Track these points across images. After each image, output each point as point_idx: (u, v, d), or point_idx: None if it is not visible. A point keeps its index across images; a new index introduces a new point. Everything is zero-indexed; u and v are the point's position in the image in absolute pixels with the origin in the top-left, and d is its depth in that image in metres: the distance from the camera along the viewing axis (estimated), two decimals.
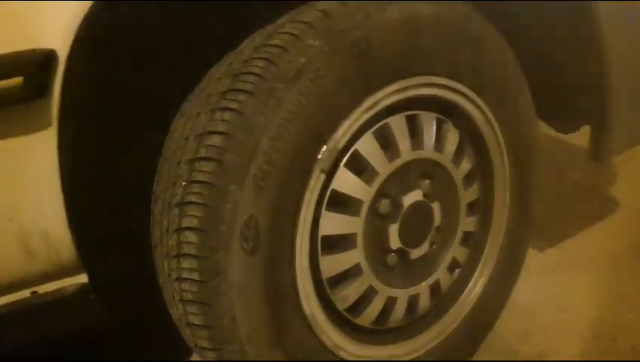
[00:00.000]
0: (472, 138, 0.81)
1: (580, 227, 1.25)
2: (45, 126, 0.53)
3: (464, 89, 0.75)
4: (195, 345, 0.64)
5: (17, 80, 0.49)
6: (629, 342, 0.97)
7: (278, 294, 0.63)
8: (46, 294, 0.63)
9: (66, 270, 0.62)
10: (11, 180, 0.54)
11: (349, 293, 0.72)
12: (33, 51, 0.50)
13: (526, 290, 1.02)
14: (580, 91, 0.86)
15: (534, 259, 1.11)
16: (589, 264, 1.17)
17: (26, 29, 0.50)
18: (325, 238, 0.68)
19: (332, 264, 0.69)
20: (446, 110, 0.76)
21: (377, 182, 0.70)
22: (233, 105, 0.57)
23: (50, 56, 0.50)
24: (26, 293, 0.63)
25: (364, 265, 0.72)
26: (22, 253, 0.58)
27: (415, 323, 0.82)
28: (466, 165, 0.80)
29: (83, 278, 0.65)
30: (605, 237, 1.25)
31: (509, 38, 0.78)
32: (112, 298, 0.65)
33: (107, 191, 0.67)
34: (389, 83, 0.67)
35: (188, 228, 0.58)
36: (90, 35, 0.51)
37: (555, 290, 1.11)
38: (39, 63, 0.50)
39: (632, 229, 1.28)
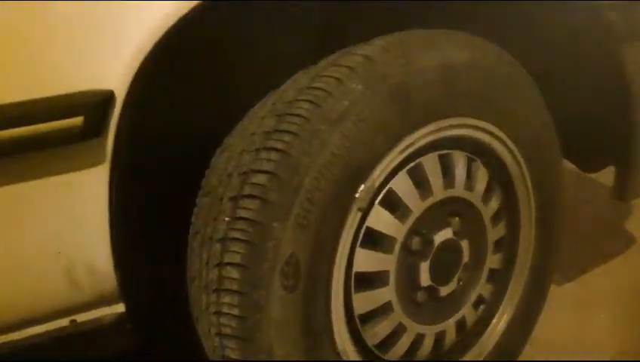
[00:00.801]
0: (500, 176, 0.82)
1: (597, 263, 1.26)
2: (99, 163, 0.55)
3: (494, 129, 0.77)
4: None
5: (78, 119, 0.51)
6: None
7: (314, 330, 0.64)
8: (84, 323, 0.65)
9: (105, 300, 0.63)
10: (63, 214, 0.56)
11: (380, 330, 0.72)
12: (93, 92, 0.52)
13: (546, 325, 1.02)
14: (605, 131, 0.88)
15: (553, 294, 1.12)
16: (607, 299, 1.18)
17: (87, 69, 0.53)
18: (358, 275, 0.69)
19: (364, 301, 0.70)
20: (476, 149, 0.78)
21: (410, 220, 0.71)
22: (279, 146, 0.59)
23: (108, 97, 0.52)
24: (65, 321, 0.65)
25: (395, 302, 0.72)
26: (67, 285, 0.59)
27: (440, 358, 0.83)
28: (494, 203, 0.82)
29: (120, 307, 0.66)
30: (622, 273, 1.26)
31: (538, 77, 0.80)
32: (148, 328, 0.66)
33: (152, 228, 0.69)
34: (424, 124, 0.68)
35: (230, 264, 0.59)
36: (147, 78, 0.54)
37: (575, 325, 1.12)
38: (98, 104, 0.52)
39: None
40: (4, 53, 0.49)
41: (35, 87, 0.51)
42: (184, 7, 0.53)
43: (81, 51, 0.52)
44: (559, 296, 1.16)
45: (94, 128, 0.52)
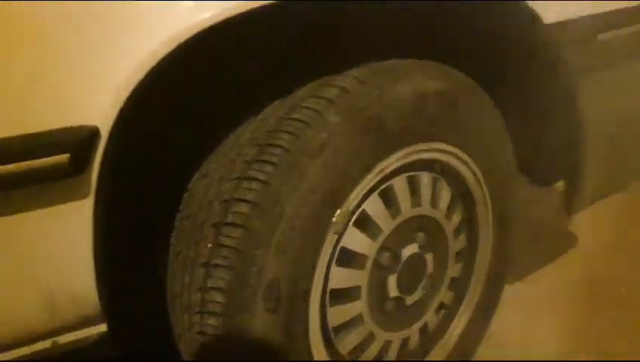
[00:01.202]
0: (461, 193, 0.89)
1: (543, 262, 1.37)
2: (83, 196, 0.55)
3: (457, 151, 0.83)
4: None
5: (64, 157, 0.52)
6: None
7: (294, 344, 0.68)
8: (67, 344, 0.66)
9: (88, 322, 0.65)
10: (47, 245, 0.56)
11: (351, 339, 0.78)
12: (79, 128, 0.53)
13: (496, 322, 1.11)
14: (557, 151, 0.95)
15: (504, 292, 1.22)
16: (552, 296, 1.29)
17: (72, 106, 0.53)
18: (333, 291, 0.73)
19: (338, 314, 0.75)
20: (441, 169, 0.84)
21: (381, 239, 0.76)
22: (260, 176, 0.62)
23: (94, 133, 0.53)
24: (47, 343, 0.66)
25: (366, 313, 0.78)
26: (49, 311, 0.60)
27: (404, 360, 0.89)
28: (456, 218, 0.88)
29: (103, 327, 0.68)
30: (565, 271, 1.37)
31: (500, 103, 0.86)
32: (130, 347, 0.68)
33: (135, 259, 0.70)
34: (396, 150, 0.73)
35: (213, 288, 0.62)
36: (131, 112, 0.55)
37: (523, 320, 1.22)
38: (84, 140, 0.53)
39: (589, 263, 1.40)
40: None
41: (18, 124, 0.51)
42: (167, 47, 0.54)
43: (65, 88, 0.53)
44: (508, 293, 1.26)
45: (80, 165, 0.53)
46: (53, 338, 0.66)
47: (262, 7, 0.56)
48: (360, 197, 0.72)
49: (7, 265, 0.57)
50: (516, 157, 0.94)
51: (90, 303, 0.63)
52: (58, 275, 0.59)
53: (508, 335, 1.14)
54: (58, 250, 0.58)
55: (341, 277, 0.73)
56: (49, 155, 0.52)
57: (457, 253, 0.91)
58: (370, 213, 0.74)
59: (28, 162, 0.51)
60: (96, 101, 0.54)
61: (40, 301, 0.60)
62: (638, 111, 0.94)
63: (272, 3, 0.57)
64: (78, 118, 0.53)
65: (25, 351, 0.65)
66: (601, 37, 0.80)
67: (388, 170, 0.74)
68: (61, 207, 0.55)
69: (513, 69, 0.83)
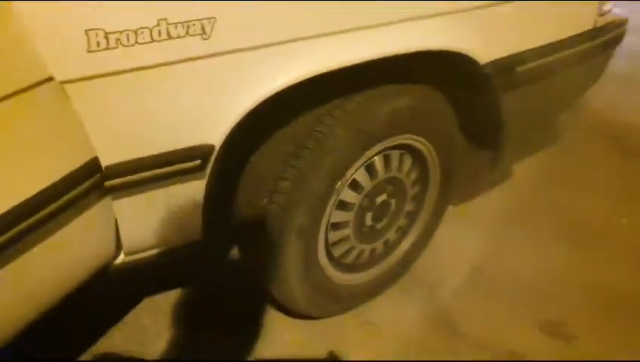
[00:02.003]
0: (419, 160, 1.35)
1: (482, 190, 1.88)
2: (202, 178, 1.00)
3: (419, 138, 1.27)
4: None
5: (197, 163, 0.96)
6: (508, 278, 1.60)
7: (309, 254, 1.20)
8: (179, 248, 1.16)
9: (191, 237, 1.14)
10: (186, 201, 1.02)
11: (340, 249, 1.30)
12: (206, 146, 0.95)
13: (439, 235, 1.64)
14: (489, 132, 1.40)
15: (450, 211, 1.74)
16: (485, 215, 1.81)
17: (202, 134, 0.95)
18: (333, 224, 1.23)
19: (335, 236, 1.26)
20: (406, 148, 1.29)
21: (364, 193, 1.24)
22: (295, 164, 1.07)
23: (212, 149, 0.96)
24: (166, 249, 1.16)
25: (351, 235, 1.29)
26: (178, 231, 1.09)
27: (375, 260, 1.43)
28: (413, 176, 1.36)
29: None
30: (499, 198, 1.89)
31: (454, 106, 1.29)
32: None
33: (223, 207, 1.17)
34: (376, 143, 1.17)
35: (271, 227, 1.11)
36: (231, 137, 0.97)
37: (458, 232, 1.75)
38: (207, 153, 0.96)
39: (518, 193, 1.92)
40: (162, 119, 0.90)
41: (176, 142, 0.93)
42: (262, 96, 0.94)
43: (199, 124, 0.94)
44: (452, 213, 1.78)
45: (204, 166, 0.97)
46: (171, 246, 1.16)
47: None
48: (353, 171, 1.18)
49: (165, 210, 1.03)
50: (464, 134, 1.39)
51: (196, 228, 1.11)
52: (187, 214, 1.06)
53: (442, 244, 1.69)
54: (191, 202, 1.04)
55: (338, 216, 1.23)
56: (191, 161, 0.95)
57: (413, 196, 1.40)
58: (358, 180, 1.21)
59: (182, 164, 0.95)
60: (214, 130, 0.95)
61: (172, 225, 1.08)
62: (535, 112, 1.37)
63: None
64: (205, 139, 0.95)
65: (154, 252, 1.15)
66: (518, 69, 1.20)
67: (371, 154, 1.19)
68: (195, 183, 1.00)
69: (464, 86, 1.24)
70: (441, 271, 1.59)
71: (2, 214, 0.80)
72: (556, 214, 1.82)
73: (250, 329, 1.39)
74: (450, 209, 1.78)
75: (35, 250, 0.87)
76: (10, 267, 0.84)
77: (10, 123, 0.79)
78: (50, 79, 0.80)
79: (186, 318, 1.43)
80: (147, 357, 1.31)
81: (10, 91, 0.77)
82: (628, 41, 3.43)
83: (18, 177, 0.82)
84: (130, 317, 1.42)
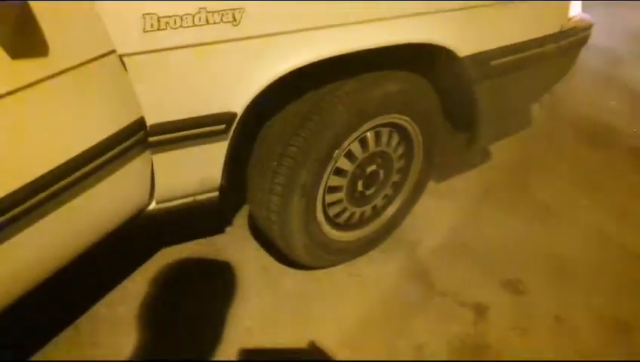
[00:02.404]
0: (405, 137, 1.57)
1: (462, 170, 2.12)
2: (226, 140, 1.21)
3: (406, 117, 1.49)
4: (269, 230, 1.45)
5: (222, 126, 1.17)
6: (479, 242, 1.85)
7: (309, 211, 1.42)
8: (200, 200, 1.37)
9: (210, 190, 1.35)
10: (212, 157, 1.23)
11: (335, 209, 1.53)
12: (228, 113, 1.17)
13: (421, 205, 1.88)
14: (465, 117, 1.62)
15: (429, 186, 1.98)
16: (464, 191, 2.05)
17: (228, 102, 1.16)
18: (330, 187, 1.46)
19: (331, 198, 1.48)
20: (394, 125, 1.51)
21: (357, 162, 1.46)
22: (302, 133, 1.29)
23: (235, 115, 1.18)
24: (190, 199, 1.37)
25: (344, 198, 1.52)
26: (200, 183, 1.30)
27: (364, 222, 1.66)
28: (400, 150, 1.58)
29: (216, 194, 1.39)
30: (477, 177, 2.13)
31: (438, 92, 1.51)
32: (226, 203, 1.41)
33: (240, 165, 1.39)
34: (370, 120, 1.39)
35: (277, 184, 1.33)
36: (250, 107, 1.18)
37: (438, 204, 1.99)
38: (231, 118, 1.18)
39: (495, 173, 2.16)
40: (197, 89, 1.12)
41: (208, 107, 1.14)
42: (278, 74, 1.15)
43: (226, 94, 1.15)
44: (433, 187, 2.02)
45: (228, 130, 1.19)
46: (194, 198, 1.38)
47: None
48: (348, 143, 1.40)
49: (192, 164, 1.24)
50: (445, 118, 1.61)
51: (217, 182, 1.33)
52: (211, 169, 1.28)
53: (422, 212, 1.92)
54: (215, 159, 1.25)
55: (334, 180, 1.45)
56: (218, 124, 1.17)
57: (398, 169, 1.63)
58: (353, 151, 1.43)
59: (210, 127, 1.16)
60: (237, 101, 1.17)
61: (197, 178, 1.30)
62: (506, 100, 1.59)
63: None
64: (230, 107, 1.17)
65: (180, 202, 1.37)
66: (493, 62, 1.42)
67: (365, 129, 1.41)
68: (219, 144, 1.22)
69: (446, 75, 1.46)
70: (420, 234, 1.83)
71: (71, 158, 1.01)
72: (526, 193, 2.06)
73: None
74: (434, 184, 2.03)
75: (92, 190, 1.09)
76: (74, 202, 1.06)
77: (81, 86, 1.00)
78: (113, 52, 1.01)
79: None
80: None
81: (83, 60, 0.98)
82: (611, 45, 3.70)
83: (83, 130, 1.03)
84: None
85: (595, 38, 3.82)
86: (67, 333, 1.39)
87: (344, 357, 1.39)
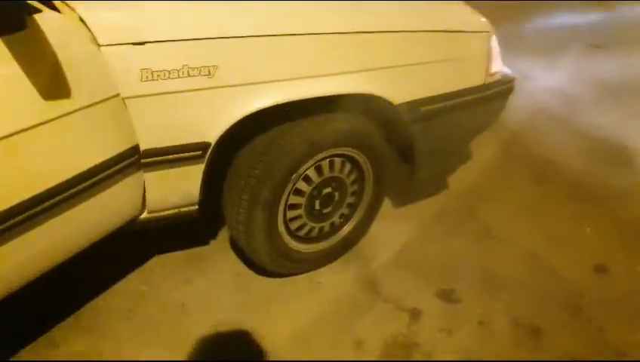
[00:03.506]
0: (356, 165, 1.90)
1: (419, 197, 2.42)
2: (202, 163, 1.55)
3: (355, 150, 1.82)
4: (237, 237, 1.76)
5: (199, 153, 1.51)
6: (425, 258, 2.16)
7: (271, 225, 1.74)
8: (183, 212, 1.70)
9: (190, 205, 1.68)
10: (188, 179, 1.57)
11: (296, 224, 1.84)
12: (205, 143, 1.51)
13: (378, 225, 2.18)
14: (405, 151, 1.95)
15: (389, 210, 2.29)
16: (418, 214, 2.35)
17: (203, 133, 1.50)
18: (290, 205, 1.78)
19: (292, 213, 1.80)
20: (346, 156, 1.84)
21: (313, 185, 1.79)
22: (263, 160, 1.62)
23: (209, 144, 1.52)
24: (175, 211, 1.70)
25: (303, 214, 1.83)
26: (182, 197, 1.63)
27: (323, 237, 1.97)
28: (352, 177, 1.91)
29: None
30: (430, 203, 2.44)
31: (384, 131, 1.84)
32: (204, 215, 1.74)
33: (217, 184, 1.72)
34: (322, 152, 1.72)
35: (244, 200, 1.65)
36: (222, 138, 1.52)
37: (394, 225, 2.29)
38: (205, 147, 1.51)
39: (447, 200, 2.46)
40: (180, 123, 1.46)
41: (187, 136, 1.49)
42: (244, 114, 1.50)
43: (201, 126, 1.49)
44: (389, 210, 2.32)
45: (203, 156, 1.52)
46: (178, 209, 1.70)
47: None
48: (305, 169, 1.73)
49: (176, 182, 1.57)
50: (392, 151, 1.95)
51: (196, 197, 1.65)
52: (190, 188, 1.61)
53: (379, 232, 2.22)
54: (194, 178, 1.58)
55: (294, 199, 1.77)
56: (196, 151, 1.50)
57: (352, 192, 1.95)
58: (309, 175, 1.76)
59: (189, 153, 1.50)
60: (211, 133, 1.51)
61: (180, 193, 1.62)
62: (439, 139, 1.92)
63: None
64: (205, 138, 1.51)
65: (167, 213, 1.69)
66: (423, 108, 1.76)
67: (319, 158, 1.74)
68: (197, 166, 1.55)
69: (385, 118, 1.80)
70: (376, 250, 2.13)
71: (80, 173, 1.35)
72: (473, 217, 2.36)
73: None
74: (393, 208, 2.34)
75: (97, 198, 1.42)
76: (83, 206, 1.39)
77: (93, 118, 1.34)
78: (118, 95, 1.36)
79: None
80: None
81: (96, 100, 1.33)
82: (575, 90, 4.09)
83: (92, 152, 1.37)
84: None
85: (562, 83, 4.19)
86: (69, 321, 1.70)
87: (291, 348, 1.67)
